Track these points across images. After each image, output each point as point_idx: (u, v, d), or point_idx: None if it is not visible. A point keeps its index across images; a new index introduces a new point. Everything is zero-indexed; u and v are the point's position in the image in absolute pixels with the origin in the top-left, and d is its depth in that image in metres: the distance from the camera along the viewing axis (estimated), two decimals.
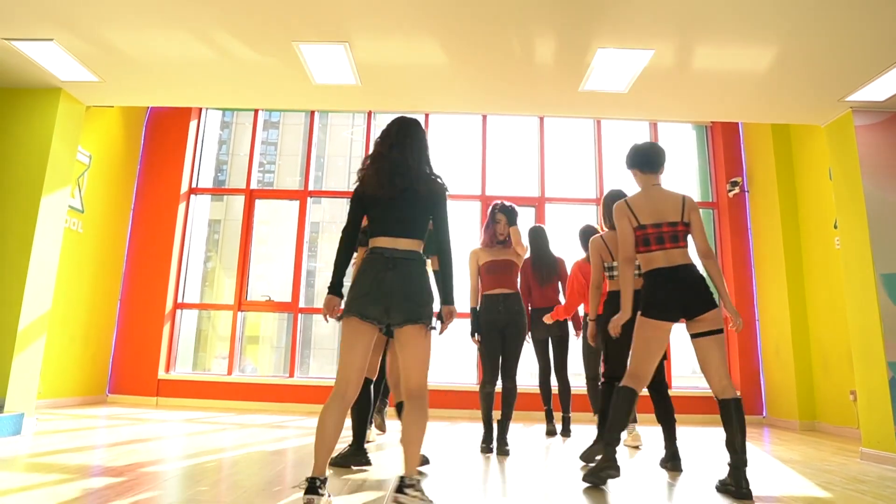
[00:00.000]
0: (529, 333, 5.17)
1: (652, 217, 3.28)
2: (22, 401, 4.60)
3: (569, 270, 5.22)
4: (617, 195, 4.08)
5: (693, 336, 3.22)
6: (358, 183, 2.68)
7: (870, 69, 4.19)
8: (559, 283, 5.39)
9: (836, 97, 4.62)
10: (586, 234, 4.90)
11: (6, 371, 4.49)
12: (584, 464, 3.84)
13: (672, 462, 3.74)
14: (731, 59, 4.21)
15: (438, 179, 2.67)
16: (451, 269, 2.66)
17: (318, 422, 2.47)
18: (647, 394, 3.87)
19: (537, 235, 5.52)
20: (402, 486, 2.40)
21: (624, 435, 4.63)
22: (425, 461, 3.56)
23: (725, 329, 3.25)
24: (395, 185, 2.57)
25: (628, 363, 3.29)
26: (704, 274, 3.28)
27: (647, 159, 3.44)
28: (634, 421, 4.77)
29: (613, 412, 3.20)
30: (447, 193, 2.69)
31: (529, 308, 5.37)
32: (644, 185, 3.44)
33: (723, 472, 3.20)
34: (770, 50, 4.04)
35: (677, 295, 3.17)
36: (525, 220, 7.57)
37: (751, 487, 2.99)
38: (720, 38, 3.94)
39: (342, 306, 2.58)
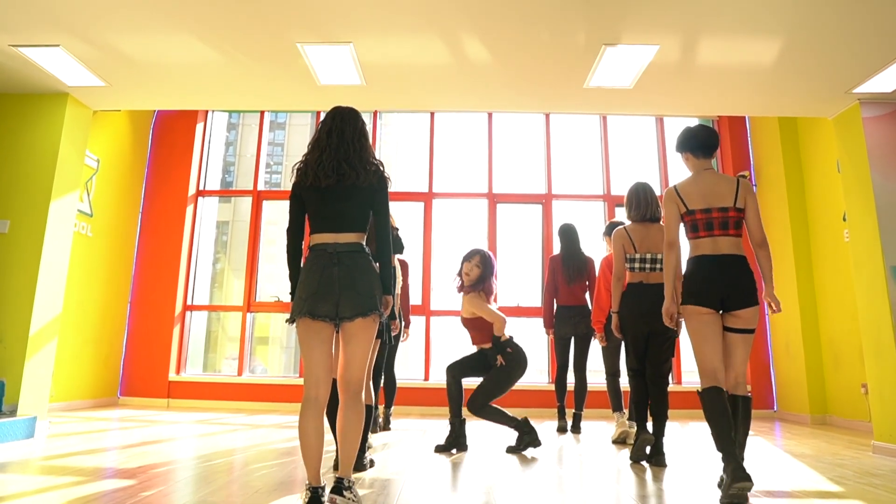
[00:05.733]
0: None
1: (701, 202, 3.12)
2: (34, 404, 4.63)
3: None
4: (644, 187, 4.08)
5: (723, 328, 3.09)
6: (295, 178, 2.63)
7: (877, 60, 4.15)
8: (587, 283, 5.41)
9: (844, 89, 4.59)
10: (614, 227, 4.93)
11: (18, 375, 4.53)
12: (632, 462, 3.82)
13: (656, 457, 3.73)
14: (737, 53, 4.19)
15: (379, 168, 2.61)
16: (389, 260, 2.59)
17: (298, 432, 2.45)
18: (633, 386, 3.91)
19: (568, 233, 5.53)
20: (338, 488, 2.37)
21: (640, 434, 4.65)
22: (371, 464, 3.54)
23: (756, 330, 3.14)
24: (339, 174, 2.52)
25: (696, 362, 3.11)
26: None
27: (700, 143, 3.25)
28: (633, 418, 4.75)
29: (709, 421, 2.93)
30: (388, 183, 2.63)
31: (555, 305, 5.44)
32: (695, 169, 3.27)
33: (707, 467, 3.17)
34: (776, 42, 4.02)
35: (716, 285, 3.03)
36: (532, 217, 7.60)
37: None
38: (725, 31, 3.92)
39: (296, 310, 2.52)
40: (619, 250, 3.99)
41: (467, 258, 4.38)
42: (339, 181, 2.52)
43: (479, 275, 4.33)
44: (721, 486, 3.05)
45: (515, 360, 4.22)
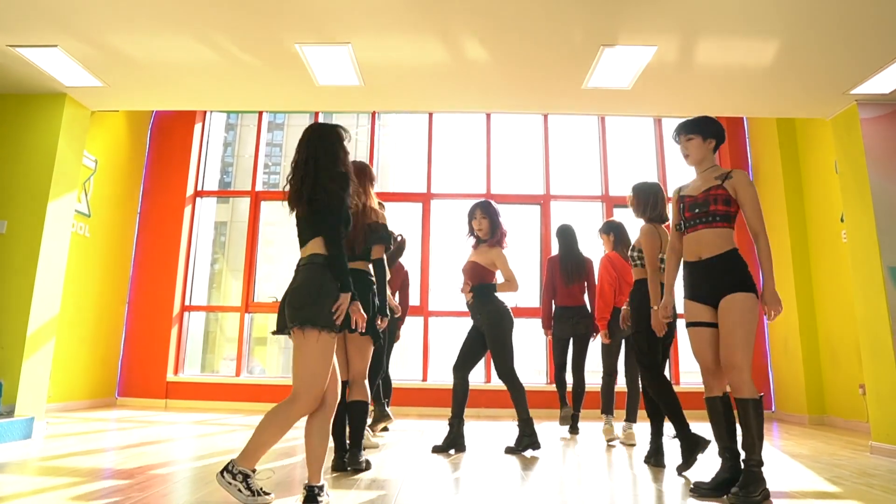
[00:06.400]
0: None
1: None
2: (32, 405, 4.63)
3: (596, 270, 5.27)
4: (658, 187, 3.99)
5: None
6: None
7: (874, 61, 4.16)
8: (585, 284, 5.40)
9: (841, 90, 4.60)
10: (618, 226, 5.04)
11: (16, 376, 4.52)
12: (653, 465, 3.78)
13: (655, 457, 3.74)
14: (734, 54, 4.19)
15: (339, 192, 2.62)
16: (337, 253, 2.61)
17: (304, 434, 2.62)
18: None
19: (566, 234, 5.53)
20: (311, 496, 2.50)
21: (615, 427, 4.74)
22: (368, 465, 3.51)
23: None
24: (297, 197, 2.65)
25: (734, 359, 2.98)
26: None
27: (722, 134, 3.28)
28: (633, 420, 4.76)
29: (755, 428, 2.83)
30: (345, 200, 2.65)
31: (553, 305, 5.43)
32: (711, 162, 3.25)
33: (706, 468, 3.18)
34: (774, 43, 4.02)
35: None
36: (531, 217, 7.60)
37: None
38: (723, 32, 3.93)
39: None
40: (656, 241, 3.78)
41: (472, 216, 4.47)
42: (298, 203, 2.66)
43: (489, 224, 4.39)
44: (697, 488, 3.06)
45: (496, 311, 4.24)
